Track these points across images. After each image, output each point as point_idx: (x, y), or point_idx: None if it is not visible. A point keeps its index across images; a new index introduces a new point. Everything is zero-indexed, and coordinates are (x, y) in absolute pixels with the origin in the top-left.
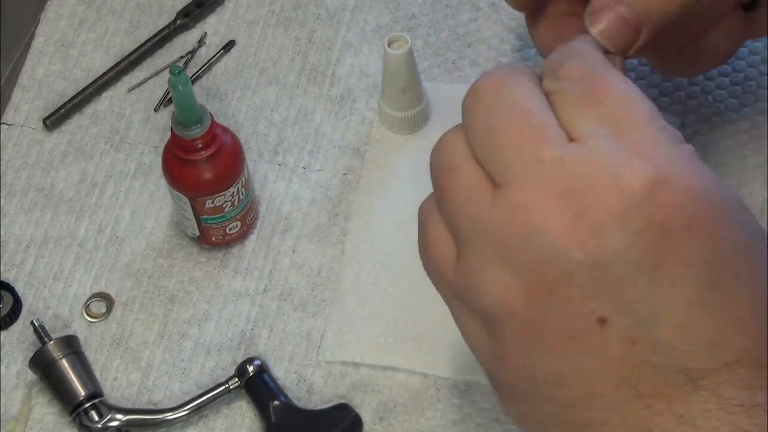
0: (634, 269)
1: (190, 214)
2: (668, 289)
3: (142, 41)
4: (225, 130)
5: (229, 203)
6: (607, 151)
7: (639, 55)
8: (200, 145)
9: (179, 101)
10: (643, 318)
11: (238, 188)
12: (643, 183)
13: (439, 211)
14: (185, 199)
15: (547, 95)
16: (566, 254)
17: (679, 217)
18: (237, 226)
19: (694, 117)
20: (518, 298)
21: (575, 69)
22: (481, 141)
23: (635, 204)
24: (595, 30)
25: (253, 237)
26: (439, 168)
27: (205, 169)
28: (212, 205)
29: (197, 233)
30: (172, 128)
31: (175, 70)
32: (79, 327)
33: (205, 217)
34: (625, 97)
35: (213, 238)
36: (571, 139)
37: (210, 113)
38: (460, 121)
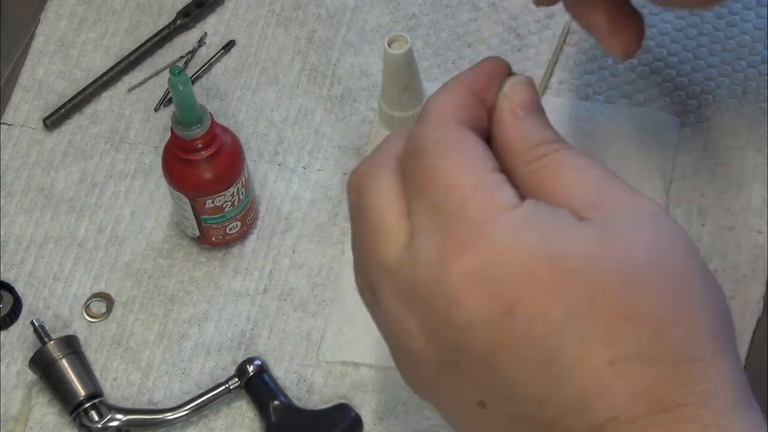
0: (478, 359)
1: (190, 214)
2: (511, 371)
3: (142, 41)
4: (225, 130)
5: (229, 203)
6: (429, 249)
7: None
8: (200, 145)
9: (179, 101)
10: (505, 395)
11: (238, 188)
12: (456, 280)
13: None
14: (185, 199)
15: (404, 171)
16: (425, 354)
17: (497, 305)
18: (237, 226)
19: (693, 117)
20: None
21: (416, 146)
22: (354, 251)
23: (454, 302)
24: None
25: (253, 237)
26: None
27: (205, 169)
28: (212, 205)
29: (197, 233)
30: (172, 128)
31: (175, 70)
32: (79, 327)
33: (205, 217)
34: (440, 181)
35: (213, 238)
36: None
37: (210, 113)
38: None
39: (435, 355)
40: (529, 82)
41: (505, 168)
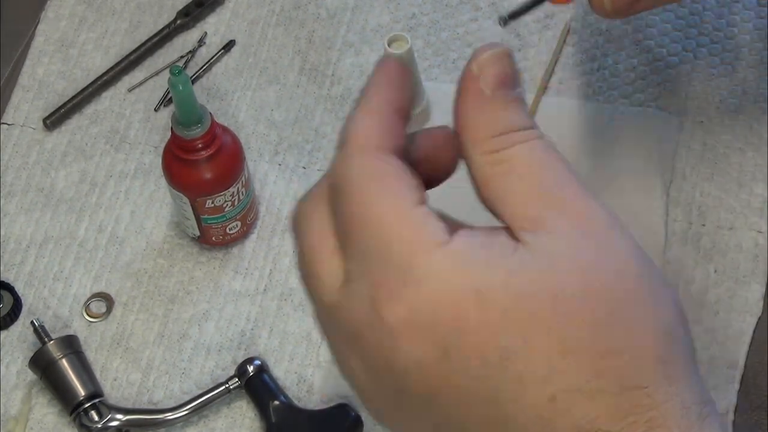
0: (421, 402)
1: (190, 214)
2: (456, 411)
3: (142, 41)
4: (225, 130)
5: (229, 203)
6: (358, 295)
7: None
8: (200, 145)
9: (179, 101)
10: (456, 430)
11: (238, 188)
12: (389, 326)
13: None
14: (185, 199)
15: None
16: (373, 392)
17: (432, 348)
18: (237, 226)
19: (693, 117)
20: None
21: (338, 186)
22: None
23: (391, 348)
24: None
25: (253, 237)
26: (293, 229)
27: (205, 169)
28: (212, 205)
29: (197, 233)
30: (172, 128)
31: (175, 69)
32: (79, 327)
33: (206, 217)
34: (363, 223)
35: (213, 238)
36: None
37: (210, 113)
38: None
39: (381, 396)
40: (503, 54)
41: (464, 156)
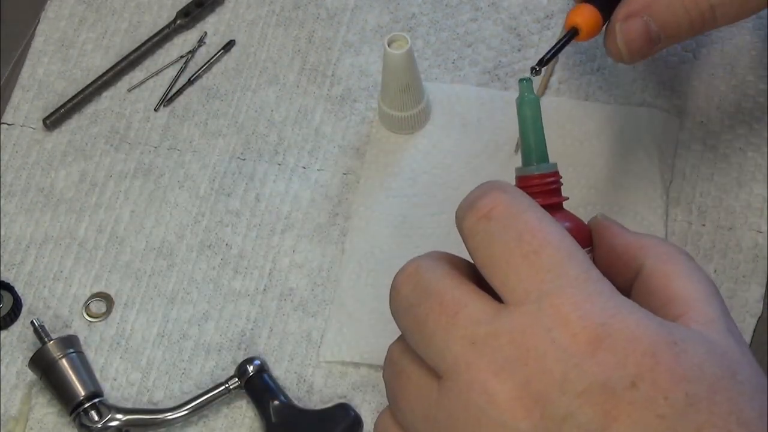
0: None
1: None
2: None
3: (142, 41)
4: None
5: None
6: (540, 313)
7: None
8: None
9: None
10: None
11: None
12: (580, 344)
13: (395, 420)
14: None
15: (470, 238)
16: (512, 426)
17: (622, 374)
18: None
19: (694, 117)
20: None
21: (501, 204)
22: (413, 338)
23: (574, 366)
24: (620, 37)
25: (252, 236)
26: (388, 378)
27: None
28: None
29: None
30: (522, 174)
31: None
32: (79, 327)
33: None
34: (559, 247)
35: None
36: (501, 303)
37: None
38: (460, 121)
39: (527, 427)
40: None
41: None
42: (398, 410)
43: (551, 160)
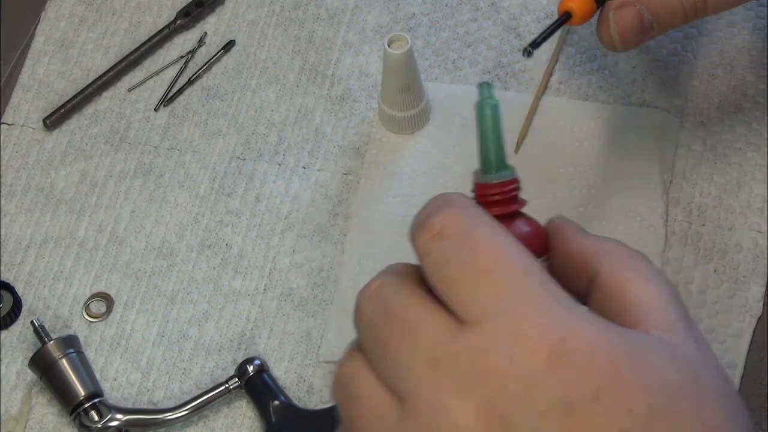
0: None
1: None
2: None
3: (142, 41)
4: None
5: None
6: (498, 332)
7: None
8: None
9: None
10: None
11: None
12: (540, 361)
13: None
14: None
15: (423, 258)
16: None
17: (584, 390)
18: None
19: (693, 117)
20: None
21: (452, 222)
22: (375, 359)
23: (535, 384)
24: (613, 25)
25: (252, 236)
26: (342, 401)
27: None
28: None
29: None
30: (480, 182)
31: (484, 86)
32: (79, 327)
33: None
34: (514, 262)
35: None
36: (461, 321)
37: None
38: (460, 121)
39: None
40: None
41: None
42: (353, 423)
43: (547, 160)
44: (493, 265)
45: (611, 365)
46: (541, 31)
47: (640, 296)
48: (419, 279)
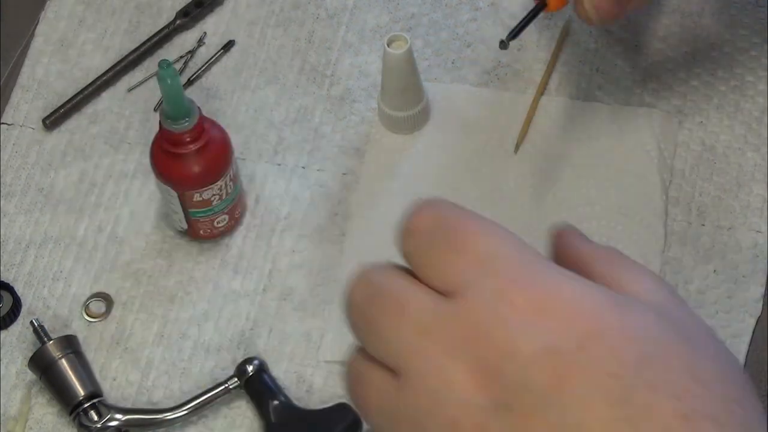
0: (538, 398)
1: (177, 207)
2: (578, 412)
3: (142, 41)
4: (213, 124)
5: (217, 197)
6: (482, 293)
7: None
8: (188, 139)
9: (167, 94)
10: None
11: (225, 182)
12: (524, 312)
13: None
14: (173, 193)
15: (407, 257)
16: (473, 404)
17: (569, 337)
18: (225, 219)
19: (693, 117)
20: None
21: (426, 219)
22: (368, 340)
23: (520, 334)
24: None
25: (252, 236)
26: (350, 386)
27: (193, 162)
28: (200, 198)
29: (185, 226)
30: (160, 122)
31: (164, 63)
32: (79, 327)
33: (193, 210)
34: (489, 237)
35: (201, 231)
36: (447, 294)
37: (198, 107)
38: (459, 121)
39: (486, 402)
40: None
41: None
42: (365, 415)
43: (546, 159)
44: (468, 239)
45: (596, 315)
46: (519, 20)
47: (631, 285)
48: (406, 270)
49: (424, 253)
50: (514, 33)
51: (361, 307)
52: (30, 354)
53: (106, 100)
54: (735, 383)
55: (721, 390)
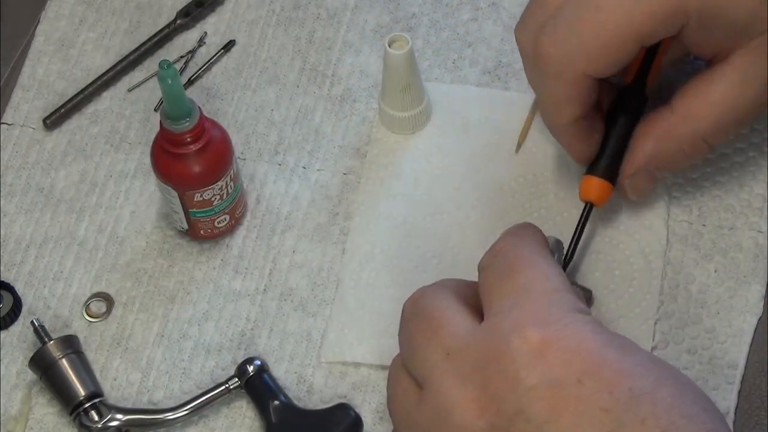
0: (534, 427)
1: (178, 208)
2: None
3: (142, 41)
4: (214, 124)
5: (218, 197)
6: (503, 323)
7: None
8: (189, 139)
9: (168, 95)
10: None
11: (226, 182)
12: (532, 345)
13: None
14: (174, 193)
15: (480, 273)
16: (473, 427)
17: (569, 372)
18: (225, 219)
19: None
20: None
21: (504, 245)
22: (403, 351)
23: (525, 365)
24: (630, 190)
25: (253, 236)
26: (388, 383)
27: (194, 162)
28: (201, 198)
29: (185, 227)
30: (161, 122)
31: (164, 64)
32: (79, 327)
33: (194, 210)
34: (533, 271)
35: (201, 232)
36: (483, 317)
37: (198, 107)
38: (460, 121)
39: (486, 426)
40: None
41: None
42: (390, 412)
43: (547, 159)
44: (518, 271)
45: (597, 353)
46: (574, 231)
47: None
48: (459, 290)
49: (488, 275)
50: (573, 244)
51: (406, 322)
52: (30, 354)
53: (106, 100)
54: (714, 419)
55: (704, 425)
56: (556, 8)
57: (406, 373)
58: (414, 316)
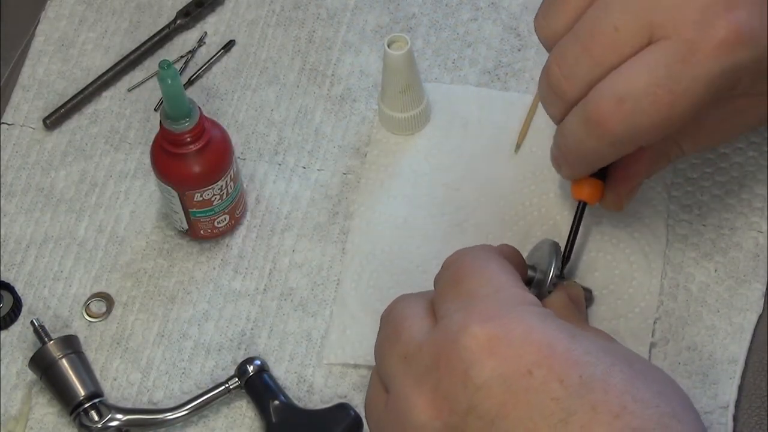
0: (486, 423)
1: (178, 208)
2: (521, 429)
3: (142, 41)
4: (214, 124)
5: (218, 197)
6: (452, 325)
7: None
8: (189, 139)
9: (168, 95)
10: None
11: (226, 182)
12: (479, 342)
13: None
14: (174, 193)
15: (434, 285)
16: (429, 427)
17: (519, 365)
18: (225, 219)
19: None
20: None
21: (451, 258)
22: (375, 359)
23: (474, 363)
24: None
25: (253, 236)
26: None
27: (194, 162)
28: (201, 198)
29: (185, 226)
30: (161, 122)
31: (164, 64)
32: (79, 327)
33: (194, 210)
34: (477, 276)
35: (201, 231)
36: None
37: (198, 107)
38: (460, 121)
39: (440, 426)
40: None
41: None
42: (365, 416)
43: (547, 159)
44: (464, 277)
45: (547, 344)
46: (570, 227)
47: None
48: (430, 300)
49: (438, 286)
50: (571, 240)
51: (379, 330)
52: (30, 354)
53: (106, 99)
54: (673, 401)
55: (658, 408)
56: (610, 66)
57: (378, 378)
58: (384, 324)
